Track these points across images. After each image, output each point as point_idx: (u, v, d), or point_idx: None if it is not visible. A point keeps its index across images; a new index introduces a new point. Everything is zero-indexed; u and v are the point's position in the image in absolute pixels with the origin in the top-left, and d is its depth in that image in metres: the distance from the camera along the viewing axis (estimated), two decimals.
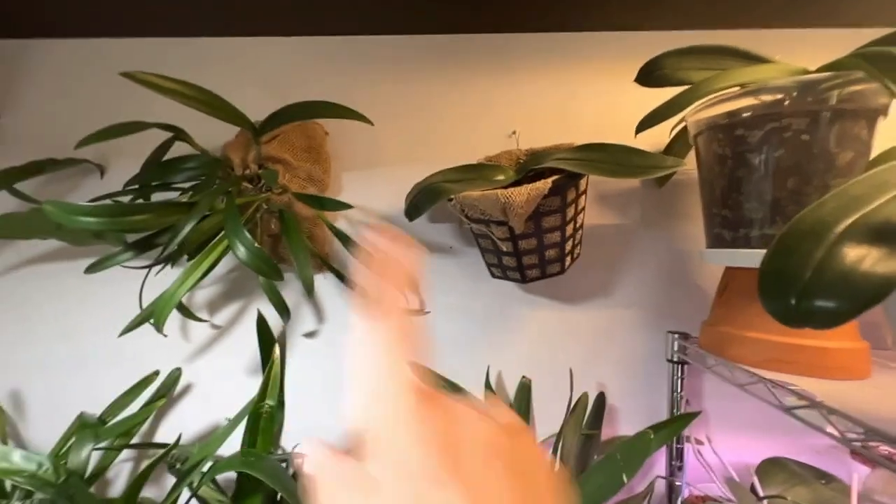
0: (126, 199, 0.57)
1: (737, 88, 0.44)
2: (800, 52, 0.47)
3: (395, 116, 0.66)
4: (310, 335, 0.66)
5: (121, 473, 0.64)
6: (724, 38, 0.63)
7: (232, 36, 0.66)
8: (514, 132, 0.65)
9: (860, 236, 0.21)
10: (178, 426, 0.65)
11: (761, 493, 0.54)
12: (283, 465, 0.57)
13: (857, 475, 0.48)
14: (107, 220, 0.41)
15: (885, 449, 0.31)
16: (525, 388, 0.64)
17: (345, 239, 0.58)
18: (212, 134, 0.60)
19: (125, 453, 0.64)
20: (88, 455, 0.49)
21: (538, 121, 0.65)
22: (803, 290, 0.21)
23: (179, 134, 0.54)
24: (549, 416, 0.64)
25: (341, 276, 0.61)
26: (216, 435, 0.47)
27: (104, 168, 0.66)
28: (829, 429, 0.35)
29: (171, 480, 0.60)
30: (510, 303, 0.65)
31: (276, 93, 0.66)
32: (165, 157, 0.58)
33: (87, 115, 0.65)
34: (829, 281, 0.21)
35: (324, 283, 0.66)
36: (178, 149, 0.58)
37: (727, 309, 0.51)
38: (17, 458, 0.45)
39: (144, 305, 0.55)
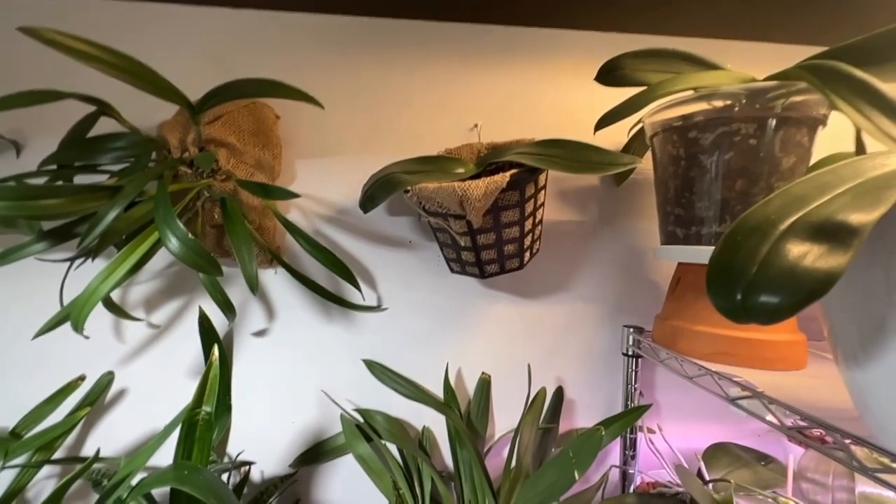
0: (41, 180, 0.51)
1: (690, 92, 0.45)
2: (749, 63, 0.49)
3: (353, 102, 0.63)
4: (259, 334, 0.62)
5: (43, 492, 0.58)
6: (680, 44, 0.66)
7: (172, 2, 0.60)
8: (475, 125, 0.63)
9: (802, 233, 0.22)
10: (110, 437, 0.59)
11: (707, 477, 0.56)
12: (226, 475, 0.53)
13: (792, 456, 0.51)
14: (9, 203, 0.36)
15: (817, 432, 0.33)
16: (485, 384, 0.63)
17: (296, 231, 0.55)
18: (146, 111, 0.54)
19: (49, 470, 0.58)
20: None
21: (501, 115, 0.64)
22: (749, 286, 0.22)
23: (104, 108, 0.48)
24: (510, 411, 0.64)
25: (293, 271, 0.57)
26: (146, 446, 0.42)
27: (20, 145, 0.59)
28: (769, 417, 0.37)
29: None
30: (470, 298, 0.64)
31: (220, 69, 0.60)
32: (91, 135, 0.52)
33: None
34: (774, 276, 0.21)
35: (274, 278, 0.62)
36: (110, 127, 0.52)
37: (678, 304, 0.53)
38: None
39: (66, 303, 0.49)
